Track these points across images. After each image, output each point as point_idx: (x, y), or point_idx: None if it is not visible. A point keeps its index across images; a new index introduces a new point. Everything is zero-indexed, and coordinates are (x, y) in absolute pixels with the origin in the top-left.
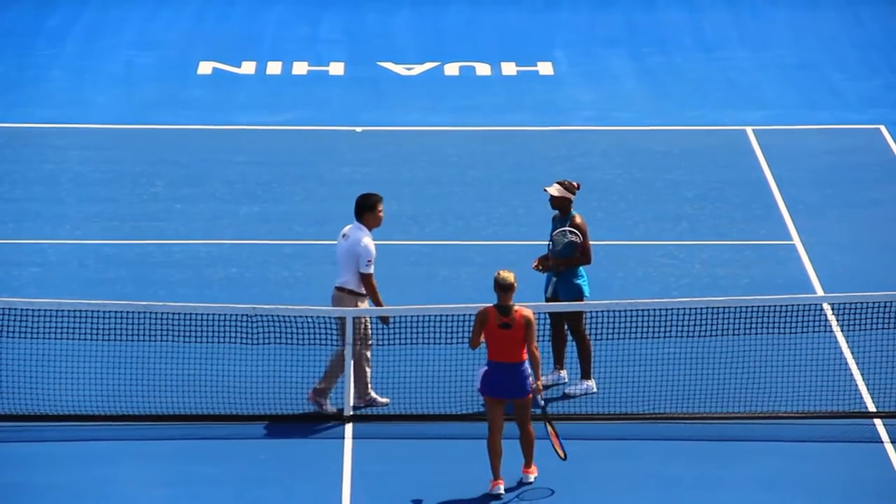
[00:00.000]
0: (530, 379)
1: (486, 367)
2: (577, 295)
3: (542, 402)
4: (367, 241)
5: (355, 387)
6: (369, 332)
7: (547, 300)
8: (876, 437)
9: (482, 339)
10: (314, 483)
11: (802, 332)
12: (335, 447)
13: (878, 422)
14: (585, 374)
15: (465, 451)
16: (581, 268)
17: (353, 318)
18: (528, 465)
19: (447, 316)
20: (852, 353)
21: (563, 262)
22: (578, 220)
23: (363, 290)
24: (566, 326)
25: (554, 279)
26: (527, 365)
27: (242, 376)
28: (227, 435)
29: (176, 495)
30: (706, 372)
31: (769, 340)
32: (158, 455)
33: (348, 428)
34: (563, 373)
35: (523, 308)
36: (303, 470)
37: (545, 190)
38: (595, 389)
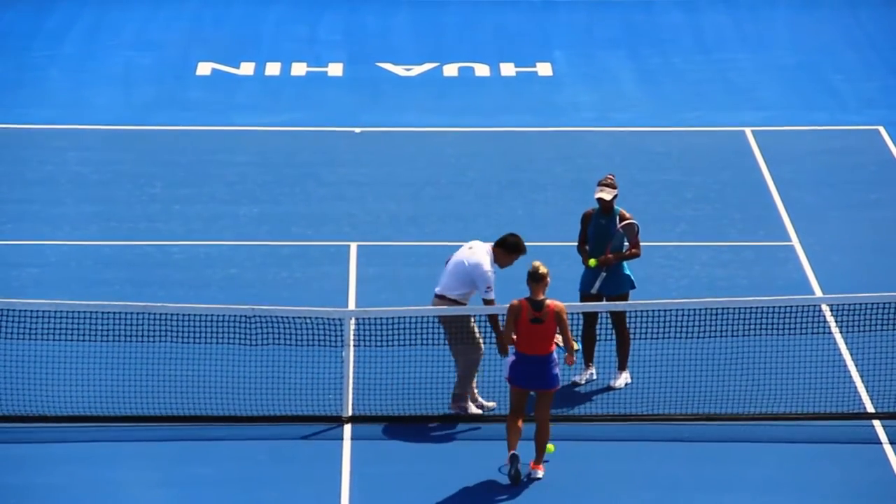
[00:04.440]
0: (557, 369)
1: (513, 357)
2: (630, 285)
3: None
4: (488, 267)
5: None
6: (476, 335)
7: (590, 296)
8: (874, 438)
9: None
10: (313, 484)
11: (801, 334)
12: (334, 448)
13: (876, 423)
14: (623, 366)
15: (464, 452)
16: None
17: (455, 321)
18: (537, 461)
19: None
20: (851, 354)
21: (622, 257)
22: (629, 213)
23: (463, 301)
24: (611, 319)
25: (603, 275)
26: (555, 355)
27: (241, 377)
28: (225, 436)
29: (174, 496)
30: (705, 373)
31: (768, 341)
32: (157, 456)
33: (347, 429)
34: (594, 370)
35: (555, 301)
36: (302, 471)
37: (597, 198)
38: (630, 380)
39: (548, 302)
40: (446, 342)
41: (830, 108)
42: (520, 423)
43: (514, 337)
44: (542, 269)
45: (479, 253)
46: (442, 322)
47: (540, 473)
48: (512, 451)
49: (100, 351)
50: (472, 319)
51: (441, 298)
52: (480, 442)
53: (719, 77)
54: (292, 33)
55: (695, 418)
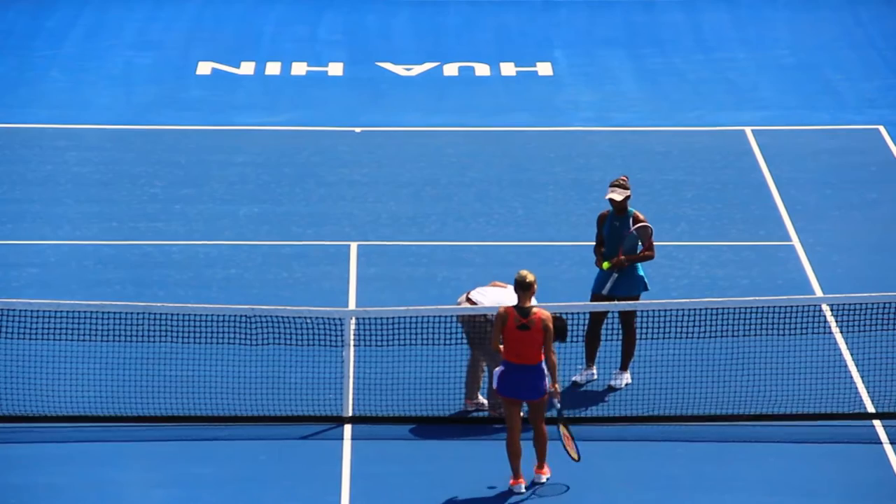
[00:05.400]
0: (546, 381)
1: (502, 367)
2: (643, 287)
3: (558, 405)
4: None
5: (467, 388)
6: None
7: (602, 298)
8: (875, 438)
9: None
10: (313, 484)
11: (801, 334)
12: (334, 448)
13: (877, 423)
14: (625, 367)
15: (464, 452)
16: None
17: (472, 321)
18: (540, 465)
19: (446, 317)
20: (851, 354)
21: (635, 259)
22: (642, 215)
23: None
24: (620, 319)
25: (615, 276)
26: (543, 366)
27: (241, 377)
28: (225, 436)
29: (174, 496)
30: (705, 373)
31: (768, 341)
32: (157, 456)
33: (347, 429)
34: (595, 370)
35: (542, 310)
36: (302, 471)
37: (609, 198)
38: (630, 380)
39: (535, 310)
40: (467, 343)
41: (831, 108)
42: (518, 440)
43: (502, 347)
44: (530, 278)
45: (502, 299)
46: (464, 324)
47: (544, 478)
48: (517, 482)
49: (100, 351)
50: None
51: (473, 304)
52: (481, 442)
53: (719, 77)
54: (292, 33)
55: (695, 419)
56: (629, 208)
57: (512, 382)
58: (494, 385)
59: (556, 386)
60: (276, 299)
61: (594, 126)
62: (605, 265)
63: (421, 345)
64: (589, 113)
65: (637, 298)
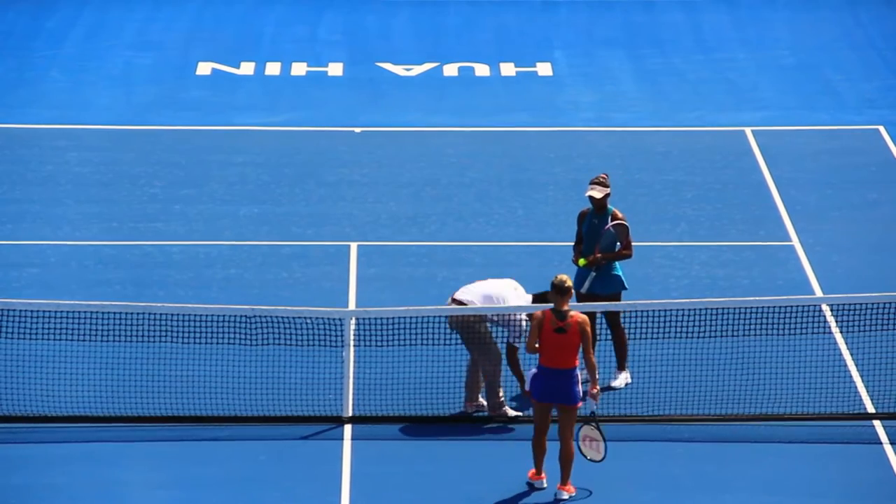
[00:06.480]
0: (585, 386)
1: (535, 370)
2: (621, 286)
3: (595, 407)
4: (523, 315)
5: (467, 390)
6: (491, 342)
7: (581, 296)
8: (875, 438)
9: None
10: (313, 484)
11: (801, 334)
12: (334, 448)
13: (877, 423)
14: (622, 366)
15: (464, 452)
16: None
17: (473, 326)
18: (564, 482)
19: (446, 317)
20: (851, 354)
21: (612, 257)
22: (621, 214)
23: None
24: (605, 320)
25: (593, 274)
26: (577, 372)
27: (241, 377)
28: (226, 436)
29: (175, 497)
30: (705, 373)
31: (768, 342)
32: (157, 456)
33: (347, 429)
34: None
35: (579, 314)
36: (302, 471)
37: (588, 195)
38: (630, 380)
39: (572, 313)
40: (464, 345)
41: (830, 108)
42: (545, 440)
43: (538, 346)
44: (569, 283)
45: (519, 298)
46: (456, 327)
47: (566, 495)
48: (538, 477)
49: (100, 351)
50: (485, 324)
51: (460, 304)
52: (481, 442)
53: (719, 77)
54: (292, 33)
55: (695, 419)
56: (608, 206)
57: (545, 387)
58: (527, 388)
59: (597, 388)
60: (276, 299)
61: (594, 126)
62: (582, 262)
63: (421, 345)
64: (589, 113)
65: (616, 296)
